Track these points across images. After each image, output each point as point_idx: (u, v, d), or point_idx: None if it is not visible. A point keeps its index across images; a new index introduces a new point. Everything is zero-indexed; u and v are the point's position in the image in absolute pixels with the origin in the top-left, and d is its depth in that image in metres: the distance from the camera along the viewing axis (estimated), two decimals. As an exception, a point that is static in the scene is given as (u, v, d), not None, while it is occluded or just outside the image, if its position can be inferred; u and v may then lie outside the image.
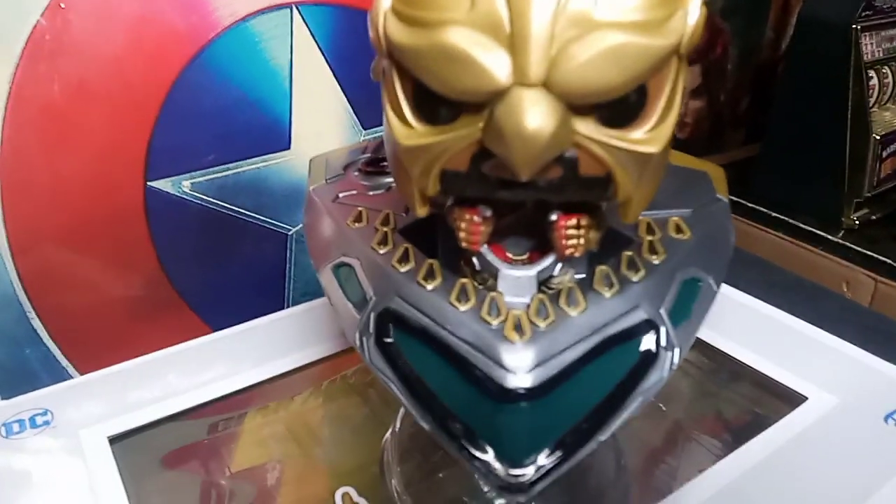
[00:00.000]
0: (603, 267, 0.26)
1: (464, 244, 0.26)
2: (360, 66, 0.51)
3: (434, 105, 0.23)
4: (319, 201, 0.34)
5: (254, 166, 0.49)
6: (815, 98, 0.75)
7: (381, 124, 0.51)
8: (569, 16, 0.20)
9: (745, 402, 0.40)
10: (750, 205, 0.81)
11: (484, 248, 0.26)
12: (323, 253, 0.31)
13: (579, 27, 0.20)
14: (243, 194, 0.49)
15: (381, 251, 0.28)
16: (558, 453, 0.23)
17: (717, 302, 0.43)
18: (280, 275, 0.52)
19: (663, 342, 0.26)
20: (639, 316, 0.25)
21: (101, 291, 0.46)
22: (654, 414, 0.42)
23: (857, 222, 0.75)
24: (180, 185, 0.47)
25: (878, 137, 0.71)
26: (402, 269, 0.27)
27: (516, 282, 0.25)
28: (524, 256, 0.27)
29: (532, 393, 0.23)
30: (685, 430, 0.40)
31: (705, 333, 0.44)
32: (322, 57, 0.50)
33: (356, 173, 0.35)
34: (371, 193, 0.33)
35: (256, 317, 0.45)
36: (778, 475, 0.33)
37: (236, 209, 0.49)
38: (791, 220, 0.78)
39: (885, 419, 0.35)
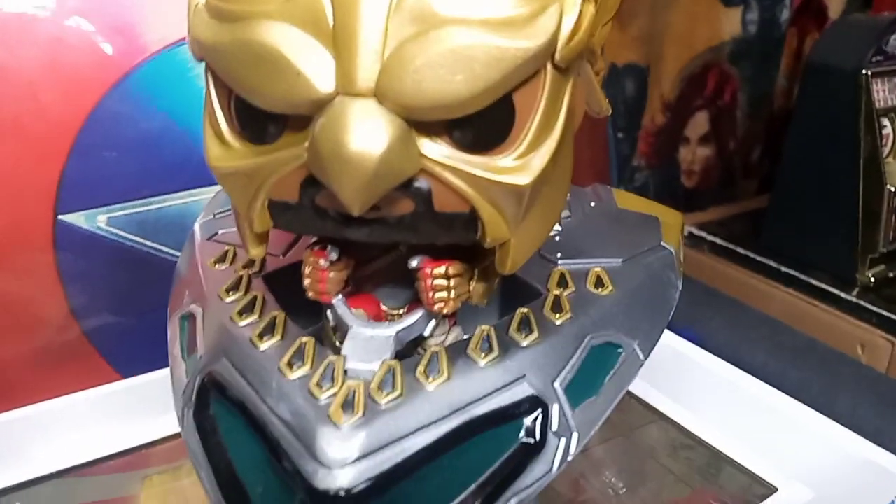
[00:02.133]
0: (484, 327, 0.21)
1: (310, 294, 0.21)
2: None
3: (256, 119, 0.18)
4: (194, 237, 0.29)
5: (180, 201, 0.45)
6: (826, 147, 0.69)
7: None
8: (407, 9, 0.16)
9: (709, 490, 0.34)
10: (759, 259, 0.75)
11: (337, 300, 0.21)
12: (178, 299, 0.26)
13: (419, 24, 0.16)
14: (165, 231, 0.45)
15: (228, 300, 0.23)
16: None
17: (682, 368, 0.38)
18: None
19: (554, 426, 0.20)
20: (522, 390, 0.20)
21: (2, 333, 0.41)
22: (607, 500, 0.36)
23: (872, 280, 0.68)
24: (95, 220, 0.43)
25: (892, 189, 0.65)
26: (241, 324, 0.22)
27: (366, 343, 0.20)
28: (403, 309, 0.22)
29: (352, 497, 0.17)
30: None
31: (667, 406, 0.38)
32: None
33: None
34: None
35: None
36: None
37: (157, 247, 0.45)
38: (803, 277, 0.72)
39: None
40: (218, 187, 0.44)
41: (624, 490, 0.37)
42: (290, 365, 0.20)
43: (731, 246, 0.78)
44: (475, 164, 0.18)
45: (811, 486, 0.31)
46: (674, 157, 0.83)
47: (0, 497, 0.35)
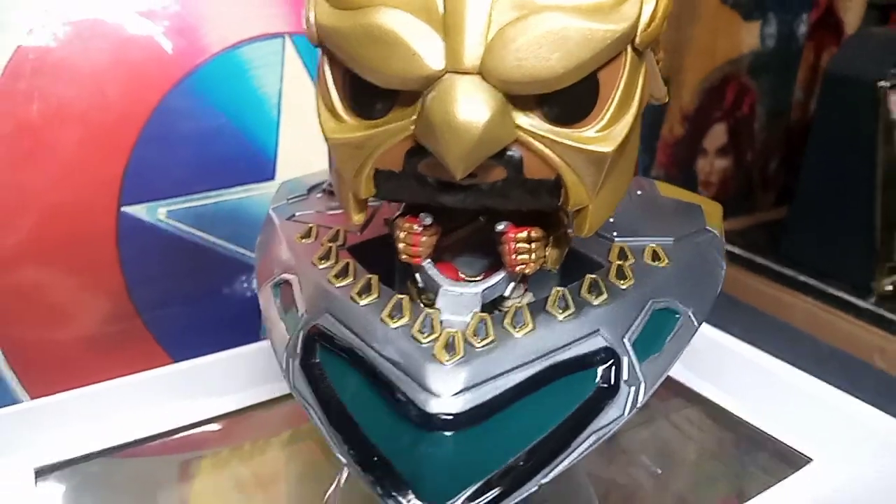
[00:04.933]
0: (559, 288, 0.23)
1: (403, 257, 0.23)
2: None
3: (367, 96, 0.20)
4: (275, 220, 0.31)
5: (235, 196, 0.47)
6: (844, 158, 0.71)
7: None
8: None
9: (746, 466, 0.36)
10: (778, 269, 0.77)
11: (427, 263, 0.23)
12: (266, 271, 0.28)
13: (519, 9, 0.18)
14: (221, 224, 0.47)
15: (321, 266, 0.25)
16: (489, 495, 0.19)
17: (720, 356, 0.39)
18: (254, 310, 0.49)
19: (625, 375, 0.22)
20: (597, 342, 0.22)
21: (64, 318, 0.44)
22: (648, 479, 0.38)
23: (890, 288, 0.70)
24: (156, 212, 0.45)
25: (910, 199, 0.67)
26: (339, 285, 0.24)
27: (457, 299, 0.22)
28: (479, 277, 0.24)
29: (458, 420, 0.19)
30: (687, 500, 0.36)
31: (706, 389, 0.40)
32: (313, 86, 0.48)
33: (319, 194, 0.33)
34: (329, 213, 0.31)
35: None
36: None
37: (212, 239, 0.47)
38: (821, 286, 0.74)
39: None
40: (276, 182, 0.47)
41: (661, 472, 0.39)
42: (391, 316, 0.22)
43: (750, 255, 0.80)
44: (563, 134, 0.20)
45: (845, 460, 0.32)
46: (692, 169, 0.85)
47: (51, 472, 0.36)
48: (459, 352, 0.20)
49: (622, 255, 0.26)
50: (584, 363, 0.22)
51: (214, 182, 0.46)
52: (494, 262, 0.25)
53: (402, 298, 0.23)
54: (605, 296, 0.23)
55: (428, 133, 0.19)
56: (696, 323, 0.26)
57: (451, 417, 0.19)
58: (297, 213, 0.31)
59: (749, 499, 0.30)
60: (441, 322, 0.22)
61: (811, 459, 0.32)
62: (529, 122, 0.20)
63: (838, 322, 0.72)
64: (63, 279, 0.43)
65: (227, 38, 0.45)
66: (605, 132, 0.20)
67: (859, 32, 0.83)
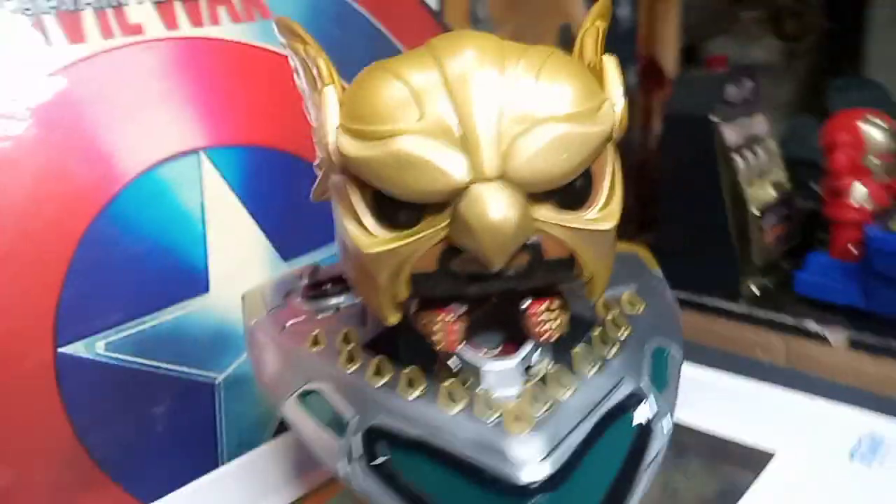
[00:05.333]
0: (578, 349, 0.26)
1: (440, 347, 0.25)
2: (275, 200, 0.51)
3: (395, 210, 0.23)
4: (265, 334, 0.32)
5: (171, 315, 0.46)
6: (694, 184, 0.81)
7: (303, 253, 0.49)
8: (512, 115, 0.22)
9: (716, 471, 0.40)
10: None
11: (462, 347, 0.25)
12: (281, 386, 0.29)
13: (523, 123, 0.22)
14: (162, 347, 0.46)
15: (350, 369, 0.27)
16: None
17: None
18: (210, 429, 0.48)
19: (654, 412, 0.25)
20: (625, 390, 0.25)
21: (9, 476, 0.41)
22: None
23: (756, 291, 0.79)
24: (94, 347, 0.43)
25: (755, 213, 0.77)
26: (378, 384, 0.26)
27: (501, 375, 0.25)
28: (497, 350, 0.27)
29: (550, 483, 0.22)
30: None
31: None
32: (235, 197, 0.49)
33: (299, 300, 0.34)
34: (320, 317, 0.32)
35: (188, 480, 0.41)
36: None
37: (156, 364, 0.46)
38: (697, 298, 0.82)
39: (852, 457, 0.36)
40: (210, 295, 0.46)
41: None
42: (446, 404, 0.24)
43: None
44: (572, 219, 0.23)
45: (802, 445, 0.37)
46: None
47: None
48: (528, 422, 0.23)
49: (606, 307, 0.30)
50: (622, 410, 0.25)
51: (149, 305, 0.45)
52: (508, 334, 0.27)
53: (449, 386, 0.25)
54: (615, 347, 0.27)
55: (465, 235, 0.22)
56: (679, 357, 0.30)
57: (543, 482, 0.22)
58: (289, 324, 0.32)
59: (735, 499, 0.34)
60: (495, 399, 0.24)
61: (773, 453, 0.37)
62: (544, 212, 0.23)
63: (718, 327, 0.80)
64: (3, 434, 0.40)
65: (142, 161, 0.45)
66: (605, 211, 0.24)
67: (682, 76, 0.94)
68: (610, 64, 0.24)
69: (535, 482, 0.22)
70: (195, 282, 0.47)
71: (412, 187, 0.22)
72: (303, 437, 0.27)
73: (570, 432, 0.23)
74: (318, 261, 0.53)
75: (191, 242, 0.47)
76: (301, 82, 0.30)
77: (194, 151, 0.47)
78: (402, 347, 0.30)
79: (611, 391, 0.25)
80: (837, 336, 0.76)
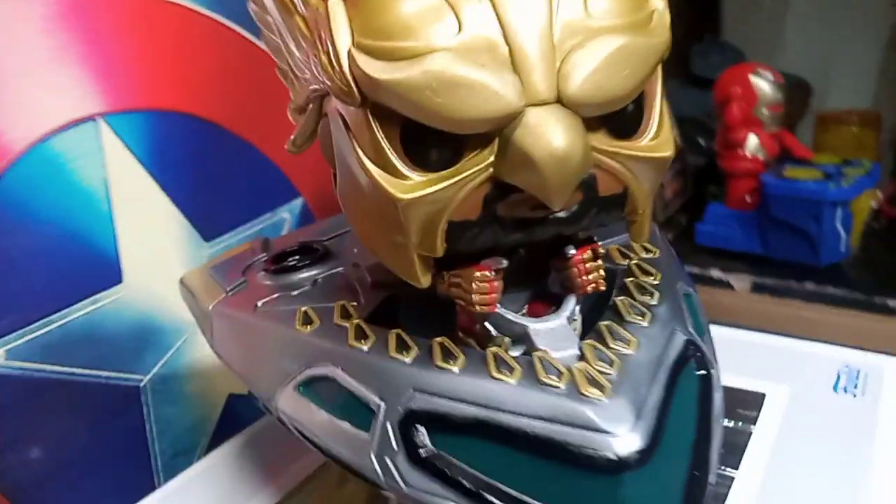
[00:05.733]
0: (621, 299, 0.23)
1: (478, 308, 0.21)
2: (189, 173, 0.45)
3: (429, 147, 0.19)
4: (234, 318, 0.27)
5: (83, 312, 0.39)
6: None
7: (226, 231, 0.43)
8: (564, 25, 0.19)
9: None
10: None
11: (501, 308, 0.22)
12: (270, 375, 0.24)
13: (578, 35, 0.19)
14: (75, 350, 0.39)
15: (365, 347, 0.23)
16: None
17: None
18: (140, 439, 0.42)
19: (709, 360, 0.23)
20: (680, 339, 0.23)
21: None
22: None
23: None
24: (-8, 357, 0.36)
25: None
26: (408, 359, 0.22)
27: (554, 334, 0.22)
28: (523, 311, 0.24)
29: (645, 452, 0.19)
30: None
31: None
32: (142, 169, 0.42)
33: (261, 276, 0.29)
34: (296, 293, 0.28)
35: (124, 500, 0.35)
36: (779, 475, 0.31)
37: (69, 371, 0.39)
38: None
39: (835, 390, 0.36)
40: (124, 285, 0.40)
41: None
42: (500, 372, 0.20)
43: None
44: (627, 147, 0.20)
45: (787, 386, 0.37)
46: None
47: None
48: (605, 384, 0.20)
49: (623, 255, 0.27)
50: (684, 361, 0.22)
51: (55, 302, 0.38)
52: (533, 293, 0.24)
53: (496, 352, 0.21)
54: (657, 294, 0.24)
55: (522, 170, 0.18)
56: (699, 300, 0.28)
57: (637, 452, 0.18)
58: (261, 304, 0.27)
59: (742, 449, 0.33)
60: (555, 360, 0.21)
61: (764, 394, 0.36)
62: (599, 141, 0.20)
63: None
64: None
65: (31, 132, 0.38)
66: (659, 139, 0.21)
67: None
68: None
69: (629, 453, 0.18)
70: (106, 271, 0.41)
71: (455, 115, 0.18)
72: (309, 433, 0.23)
73: (646, 393, 0.20)
74: (241, 238, 0.48)
75: (96, 225, 0.40)
76: (263, 8, 0.25)
77: (91, 118, 0.40)
78: (404, 315, 0.26)
79: (668, 343, 0.22)
80: (741, 282, 0.79)
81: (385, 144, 0.19)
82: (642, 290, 0.24)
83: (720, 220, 0.81)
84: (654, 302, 0.24)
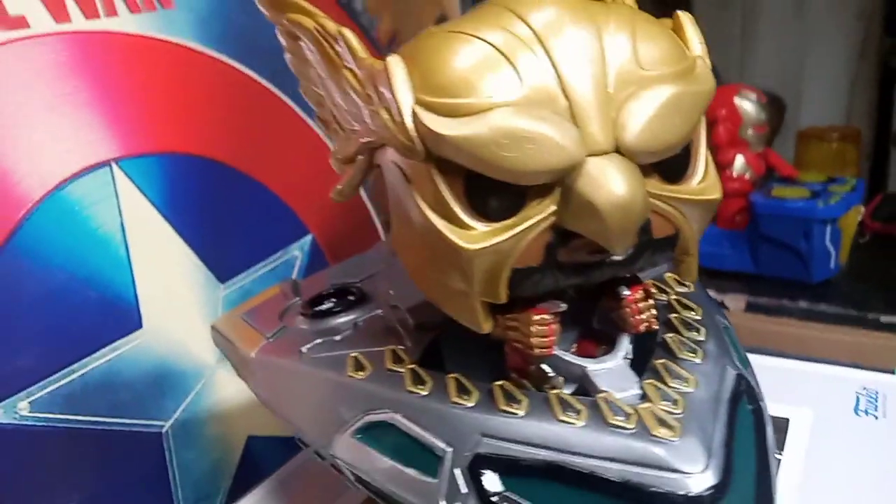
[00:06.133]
0: (670, 336, 0.24)
1: (537, 351, 0.22)
2: (201, 213, 0.44)
3: (490, 197, 0.20)
4: (278, 365, 0.27)
5: (104, 359, 0.39)
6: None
7: (239, 272, 0.44)
8: (617, 75, 0.20)
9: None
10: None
11: (559, 350, 0.22)
12: (324, 421, 0.25)
13: (631, 85, 0.20)
14: (97, 397, 0.39)
15: (424, 392, 0.23)
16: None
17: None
18: (162, 485, 0.41)
19: (758, 393, 0.24)
20: (732, 375, 0.23)
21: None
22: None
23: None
24: (15, 410, 0.35)
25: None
26: (470, 403, 0.22)
27: (614, 375, 0.22)
28: (573, 349, 0.24)
29: (720, 489, 0.19)
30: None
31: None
32: (157, 213, 0.42)
33: (300, 321, 0.29)
34: (339, 338, 0.28)
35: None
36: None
37: (92, 419, 0.38)
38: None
39: (856, 412, 0.37)
40: (144, 331, 0.40)
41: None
42: (567, 416, 0.21)
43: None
44: (678, 191, 0.21)
45: (809, 410, 0.38)
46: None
47: None
48: (674, 424, 0.20)
49: (661, 289, 0.28)
50: (738, 396, 0.23)
51: (75, 352, 0.38)
52: (581, 331, 0.24)
53: (558, 395, 0.21)
54: (703, 330, 0.25)
55: (585, 218, 0.19)
56: (732, 328, 0.28)
57: (713, 488, 0.19)
58: (305, 349, 0.27)
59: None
60: (620, 401, 0.21)
61: (788, 419, 0.37)
62: (653, 186, 0.20)
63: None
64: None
65: (46, 179, 0.38)
66: (706, 182, 0.22)
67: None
68: (686, 20, 0.22)
69: (704, 491, 0.19)
70: (126, 317, 0.40)
71: (520, 167, 0.19)
72: (369, 479, 0.23)
73: (712, 427, 0.21)
74: (255, 278, 0.48)
75: (114, 271, 0.40)
76: (303, 61, 0.25)
77: (105, 164, 0.40)
78: (448, 357, 0.26)
79: (721, 379, 0.23)
80: (736, 302, 0.80)
81: (448, 196, 0.20)
82: (688, 326, 0.25)
83: (712, 241, 0.82)
84: (701, 338, 0.24)
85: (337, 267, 0.36)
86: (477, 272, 0.20)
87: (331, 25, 0.23)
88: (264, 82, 0.49)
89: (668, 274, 0.29)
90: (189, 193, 0.44)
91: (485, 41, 0.19)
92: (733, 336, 0.27)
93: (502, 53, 0.19)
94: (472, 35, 0.20)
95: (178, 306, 0.43)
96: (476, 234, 0.20)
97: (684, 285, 0.28)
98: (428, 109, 0.19)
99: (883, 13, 1.02)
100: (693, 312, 0.26)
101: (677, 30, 0.22)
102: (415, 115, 0.19)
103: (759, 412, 0.23)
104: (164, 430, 0.41)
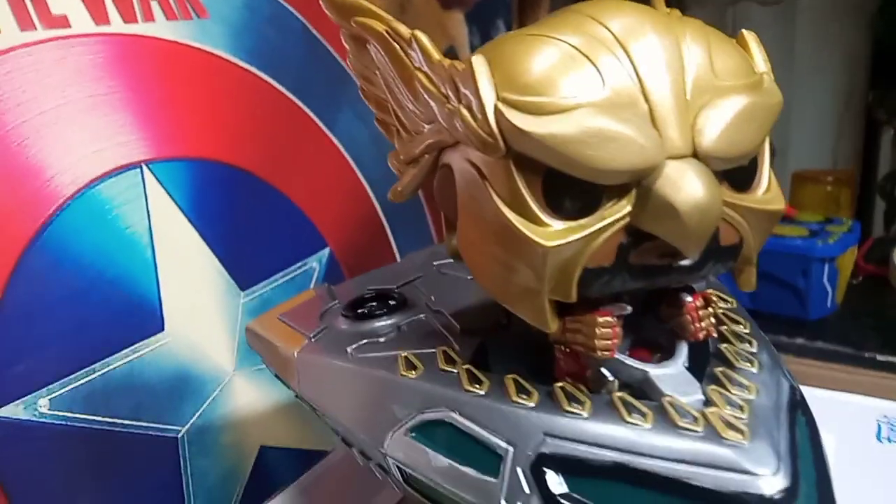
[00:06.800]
0: (726, 346, 0.24)
1: (600, 353, 0.22)
2: (226, 220, 0.44)
3: (567, 196, 0.20)
4: (326, 364, 0.27)
5: (125, 360, 0.39)
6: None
7: (259, 280, 0.44)
8: (694, 83, 0.20)
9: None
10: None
11: (621, 354, 0.22)
12: (374, 420, 0.24)
13: (707, 93, 0.20)
14: (116, 398, 0.38)
15: (482, 391, 0.23)
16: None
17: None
18: (175, 492, 0.41)
19: (808, 406, 0.24)
20: (786, 385, 0.24)
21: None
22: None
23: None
24: (35, 406, 0.35)
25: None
26: (531, 404, 0.22)
27: (676, 379, 0.22)
28: (626, 355, 0.24)
29: (791, 492, 0.19)
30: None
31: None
32: (184, 217, 0.42)
33: (342, 322, 0.29)
34: (383, 339, 0.28)
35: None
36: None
37: (110, 420, 0.38)
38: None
39: (878, 439, 0.37)
40: (166, 334, 0.39)
41: None
42: (633, 418, 0.21)
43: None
44: (746, 199, 0.22)
45: (832, 435, 0.38)
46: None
47: None
48: (743, 428, 0.20)
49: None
50: (794, 406, 0.23)
51: (98, 351, 0.38)
52: (634, 339, 0.25)
53: (622, 397, 0.22)
54: (754, 342, 0.25)
55: (663, 219, 0.19)
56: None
57: (785, 491, 0.19)
58: (351, 349, 0.27)
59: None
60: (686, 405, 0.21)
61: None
62: (723, 194, 0.21)
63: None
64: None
65: (78, 177, 0.38)
66: (770, 193, 0.22)
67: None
68: (752, 38, 0.23)
69: (777, 493, 0.19)
70: (149, 319, 0.40)
71: (602, 166, 0.19)
72: (426, 477, 0.23)
73: (777, 432, 0.21)
74: (274, 287, 0.48)
75: (140, 273, 0.40)
76: (365, 63, 0.25)
77: (136, 165, 0.40)
78: (493, 361, 0.26)
79: (778, 388, 0.23)
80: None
81: (526, 193, 0.20)
82: (739, 337, 0.25)
83: (711, 276, 0.83)
84: (754, 349, 0.25)
85: (368, 275, 0.36)
86: (550, 269, 0.20)
87: (403, 29, 0.23)
88: (291, 96, 0.50)
89: (710, 290, 0.30)
90: (215, 200, 0.44)
91: (567, 43, 0.20)
92: (775, 350, 0.27)
93: (584, 55, 0.20)
94: (553, 37, 0.20)
95: (200, 311, 0.42)
96: (552, 232, 0.20)
97: (726, 301, 0.29)
98: (511, 107, 0.20)
99: (867, 65, 1.06)
100: (741, 326, 0.26)
101: (743, 47, 0.23)
102: (498, 112, 0.20)
103: (812, 423, 0.23)
104: (179, 436, 0.41)
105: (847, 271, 0.80)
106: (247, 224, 0.46)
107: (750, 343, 0.25)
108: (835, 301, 0.77)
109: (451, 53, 0.86)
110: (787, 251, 0.75)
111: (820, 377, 0.72)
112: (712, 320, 0.23)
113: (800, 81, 1.05)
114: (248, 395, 0.44)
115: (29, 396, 0.35)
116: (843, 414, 0.40)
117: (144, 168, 0.41)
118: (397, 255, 0.57)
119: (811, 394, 0.42)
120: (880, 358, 0.73)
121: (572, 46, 0.20)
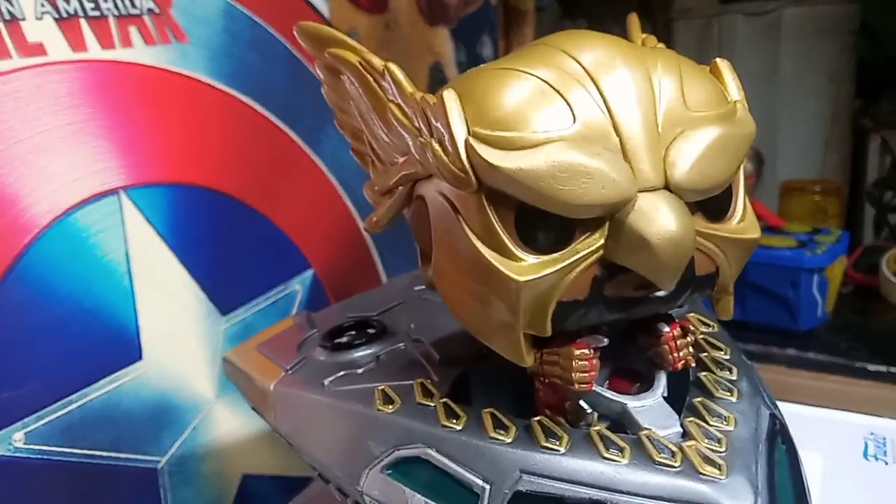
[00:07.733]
0: (705, 375, 0.24)
1: (577, 386, 0.21)
2: (206, 245, 0.44)
3: (539, 230, 0.20)
4: (301, 397, 0.27)
5: (103, 391, 0.38)
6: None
7: (240, 305, 0.43)
8: (666, 115, 0.20)
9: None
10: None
11: (598, 386, 0.22)
12: (350, 456, 0.24)
13: (680, 124, 0.20)
14: (94, 430, 0.37)
15: (458, 426, 0.23)
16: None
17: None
18: (158, 524, 0.40)
19: (789, 433, 0.24)
20: (766, 414, 0.23)
21: None
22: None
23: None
24: (10, 441, 0.34)
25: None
26: (508, 439, 0.22)
27: (655, 412, 0.22)
28: (606, 386, 0.24)
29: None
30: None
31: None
32: (163, 243, 0.42)
33: (319, 353, 0.29)
34: (361, 371, 0.27)
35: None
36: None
37: (89, 452, 0.37)
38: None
39: (865, 457, 0.37)
40: (144, 363, 0.39)
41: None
42: (610, 453, 0.20)
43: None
44: (721, 229, 0.21)
45: (819, 454, 0.38)
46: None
47: None
48: (720, 462, 0.20)
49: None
50: (773, 435, 0.23)
51: (74, 382, 0.37)
52: (614, 367, 0.24)
53: (599, 431, 0.21)
54: (734, 369, 0.25)
55: (636, 252, 0.19)
56: (756, 370, 0.28)
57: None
58: (327, 382, 0.27)
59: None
60: (664, 439, 0.21)
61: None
62: (697, 224, 0.21)
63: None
64: None
65: (55, 205, 0.37)
66: (745, 222, 0.22)
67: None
68: (725, 66, 0.23)
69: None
70: (126, 348, 0.39)
71: (574, 200, 0.19)
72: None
73: (756, 464, 0.21)
74: (256, 312, 0.47)
75: (117, 300, 0.39)
76: (340, 95, 0.25)
77: (113, 192, 0.40)
78: (475, 392, 0.26)
79: (758, 418, 0.23)
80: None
81: (499, 227, 0.20)
82: (720, 365, 0.25)
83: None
84: (734, 377, 0.24)
85: (349, 301, 0.35)
86: (524, 304, 0.20)
87: (376, 61, 0.23)
88: (274, 119, 0.49)
89: (692, 314, 0.29)
90: (196, 224, 0.44)
91: (538, 77, 0.20)
92: (757, 375, 0.27)
93: (555, 89, 0.19)
94: (523, 71, 0.20)
95: (180, 338, 0.42)
96: (525, 266, 0.20)
97: (707, 325, 0.29)
98: (482, 142, 0.19)
99: (854, 76, 1.06)
100: (722, 352, 0.26)
101: (716, 75, 0.23)
102: (469, 146, 0.19)
103: (793, 452, 0.23)
104: (159, 466, 0.40)
105: (836, 281, 0.80)
106: (228, 248, 0.45)
107: (730, 370, 0.25)
108: (825, 311, 0.77)
109: (437, 70, 0.87)
110: (775, 262, 0.75)
111: (810, 388, 0.72)
112: (690, 350, 0.23)
113: (786, 92, 1.05)
114: (229, 423, 0.44)
115: (3, 431, 0.34)
116: (830, 432, 0.39)
117: (122, 194, 0.40)
118: (383, 277, 0.56)
119: (798, 412, 0.42)
120: (871, 368, 0.73)
121: (543, 81, 0.20)
